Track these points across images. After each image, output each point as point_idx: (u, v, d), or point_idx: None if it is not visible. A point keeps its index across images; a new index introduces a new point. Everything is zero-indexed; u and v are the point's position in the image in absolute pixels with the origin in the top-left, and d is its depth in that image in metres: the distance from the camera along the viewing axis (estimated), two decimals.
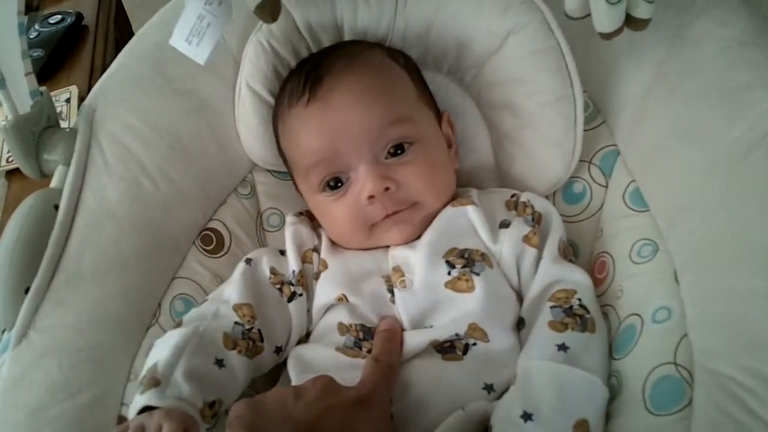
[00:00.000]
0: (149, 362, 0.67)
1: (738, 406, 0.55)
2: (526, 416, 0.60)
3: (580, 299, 0.71)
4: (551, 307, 0.70)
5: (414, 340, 0.70)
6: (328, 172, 0.77)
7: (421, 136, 0.78)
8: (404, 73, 0.82)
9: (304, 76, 0.79)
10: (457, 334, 0.70)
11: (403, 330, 0.72)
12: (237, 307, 0.73)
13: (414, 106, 0.81)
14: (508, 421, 0.61)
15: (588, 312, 0.70)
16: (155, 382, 0.63)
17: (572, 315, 0.69)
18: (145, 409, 0.62)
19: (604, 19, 0.68)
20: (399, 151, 0.77)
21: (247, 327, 0.72)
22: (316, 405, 0.59)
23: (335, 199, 0.78)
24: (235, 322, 0.72)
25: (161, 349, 0.68)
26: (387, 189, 0.75)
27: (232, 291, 0.75)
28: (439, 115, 0.86)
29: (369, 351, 0.71)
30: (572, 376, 0.64)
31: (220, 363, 0.68)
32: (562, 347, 0.66)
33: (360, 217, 0.77)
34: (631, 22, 0.69)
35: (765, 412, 0.53)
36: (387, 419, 0.64)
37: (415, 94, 0.82)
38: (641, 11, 0.68)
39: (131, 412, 0.64)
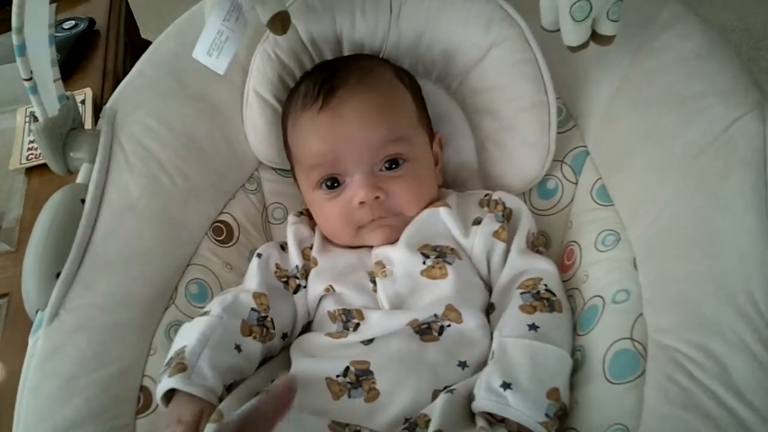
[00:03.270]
0: (176, 344, 0.74)
1: (683, 374, 0.61)
2: (506, 385, 0.66)
3: (546, 284, 0.76)
4: (521, 293, 0.76)
5: (396, 318, 0.76)
6: (327, 173, 0.83)
7: (414, 155, 0.84)
8: (408, 93, 0.88)
9: (320, 83, 0.84)
10: (435, 315, 0.75)
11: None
12: (256, 296, 0.80)
13: (413, 126, 0.87)
14: (490, 390, 0.67)
15: (554, 295, 0.76)
16: (182, 367, 0.70)
17: (540, 299, 0.75)
18: (170, 390, 0.69)
19: (571, 34, 0.73)
20: (393, 166, 0.83)
21: (262, 315, 0.79)
22: None
23: (330, 198, 0.84)
24: (252, 308, 0.79)
25: (188, 334, 0.74)
26: (377, 198, 0.81)
27: (251, 281, 0.82)
28: (432, 134, 0.91)
29: (354, 329, 0.77)
30: (544, 350, 0.70)
31: (238, 348, 0.75)
32: (533, 327, 0.71)
33: (349, 219, 0.83)
34: (596, 37, 0.74)
35: (705, 378, 0.60)
36: None
37: (415, 114, 0.88)
38: (606, 28, 0.73)
39: (159, 392, 0.71)
